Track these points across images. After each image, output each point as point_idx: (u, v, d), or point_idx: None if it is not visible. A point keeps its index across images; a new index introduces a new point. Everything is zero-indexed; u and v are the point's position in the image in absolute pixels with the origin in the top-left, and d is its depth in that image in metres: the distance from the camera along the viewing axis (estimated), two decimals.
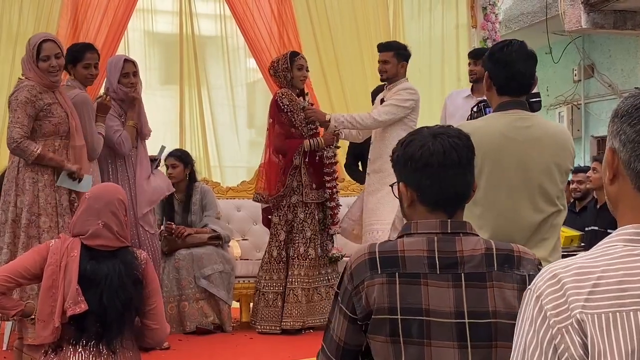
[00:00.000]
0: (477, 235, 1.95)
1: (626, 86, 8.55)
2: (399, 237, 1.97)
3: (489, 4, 7.55)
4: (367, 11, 7.04)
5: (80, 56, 4.74)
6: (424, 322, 1.85)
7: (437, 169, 1.92)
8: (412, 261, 1.88)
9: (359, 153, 6.07)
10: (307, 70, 5.56)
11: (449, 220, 1.93)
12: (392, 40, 6.02)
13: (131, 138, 4.94)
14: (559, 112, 9.80)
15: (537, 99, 3.81)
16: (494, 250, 1.90)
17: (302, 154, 5.35)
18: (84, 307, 2.91)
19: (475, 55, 5.52)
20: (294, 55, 5.52)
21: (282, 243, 5.33)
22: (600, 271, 1.22)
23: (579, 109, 9.48)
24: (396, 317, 1.85)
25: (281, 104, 5.34)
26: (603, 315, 1.19)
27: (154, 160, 5.27)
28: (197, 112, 7.22)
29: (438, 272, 1.87)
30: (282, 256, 5.33)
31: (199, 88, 7.20)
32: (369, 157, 5.51)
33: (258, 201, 5.58)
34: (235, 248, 5.94)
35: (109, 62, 5.16)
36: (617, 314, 1.19)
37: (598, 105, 9.04)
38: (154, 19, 7.26)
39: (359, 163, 6.24)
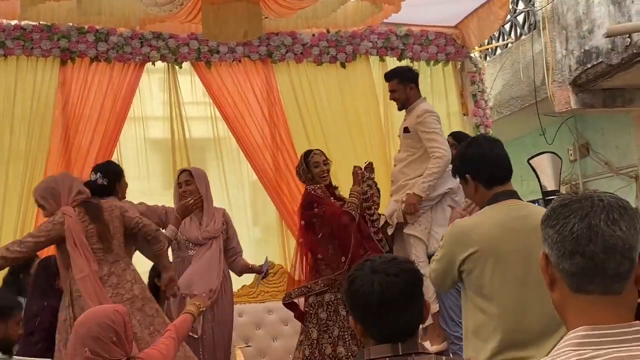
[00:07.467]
0: (430, 354, 1.99)
1: (622, 163, 8.52)
2: None
3: (479, 91, 7.62)
4: (357, 108, 7.06)
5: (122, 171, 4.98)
6: None
7: (376, 308, 1.97)
8: None
9: None
10: (326, 164, 5.31)
11: (400, 343, 1.97)
12: (396, 68, 5.85)
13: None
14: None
15: None
16: None
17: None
18: None
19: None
20: (308, 154, 5.36)
21: (315, 342, 4.96)
22: None
23: (577, 188, 9.44)
24: None
25: (315, 194, 5.15)
26: None
27: (260, 272, 5.63)
28: None
29: None
30: (315, 355, 4.93)
31: None
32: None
33: (299, 296, 5.15)
34: (239, 357, 5.75)
35: None
36: None
37: (596, 184, 8.99)
38: (145, 125, 7.24)
39: None
